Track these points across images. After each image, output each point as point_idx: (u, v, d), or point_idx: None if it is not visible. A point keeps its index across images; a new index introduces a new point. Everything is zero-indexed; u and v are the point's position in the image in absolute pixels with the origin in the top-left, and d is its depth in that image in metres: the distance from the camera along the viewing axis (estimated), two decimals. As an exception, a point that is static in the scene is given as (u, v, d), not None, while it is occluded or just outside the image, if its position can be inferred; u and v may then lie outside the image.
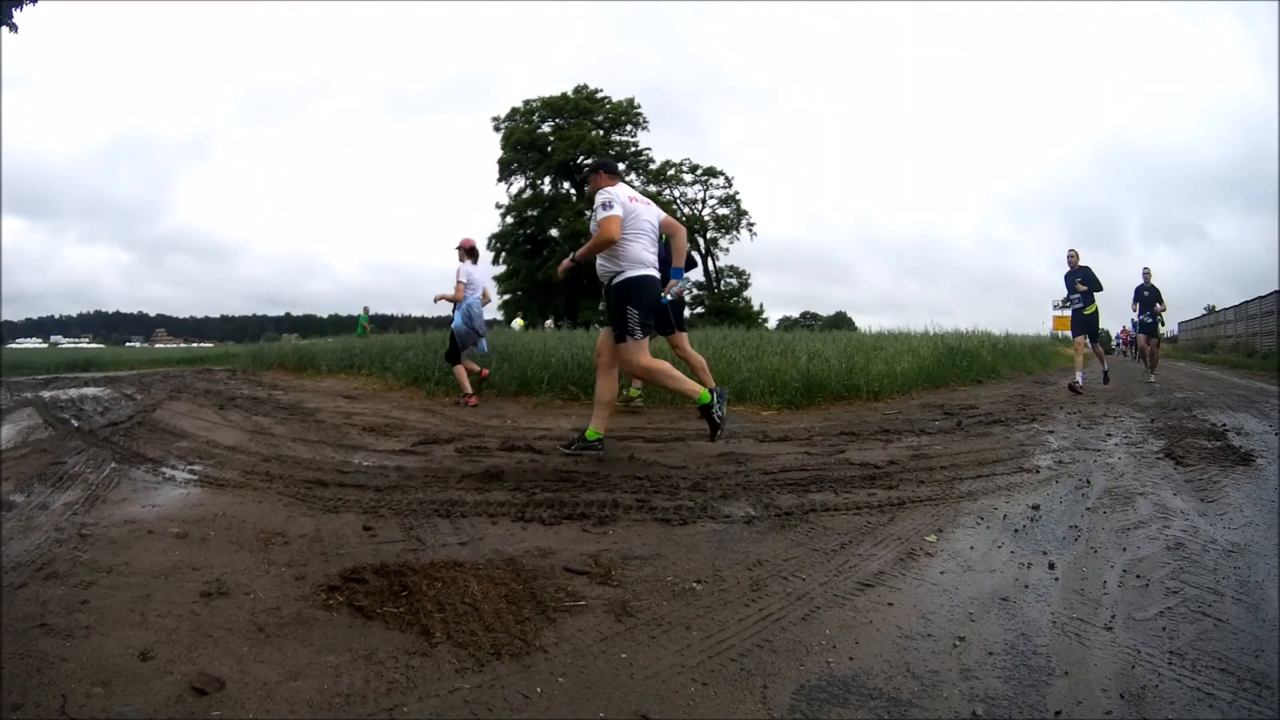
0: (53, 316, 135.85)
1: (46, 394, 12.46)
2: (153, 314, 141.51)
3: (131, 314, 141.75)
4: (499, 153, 59.05)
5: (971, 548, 3.90)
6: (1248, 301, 34.68)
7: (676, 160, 62.34)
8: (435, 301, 11.60)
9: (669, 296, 6.60)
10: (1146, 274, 17.28)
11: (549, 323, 42.32)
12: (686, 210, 62.61)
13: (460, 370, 11.40)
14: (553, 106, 58.39)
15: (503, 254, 58.57)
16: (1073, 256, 14.11)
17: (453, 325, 11.49)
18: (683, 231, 6.71)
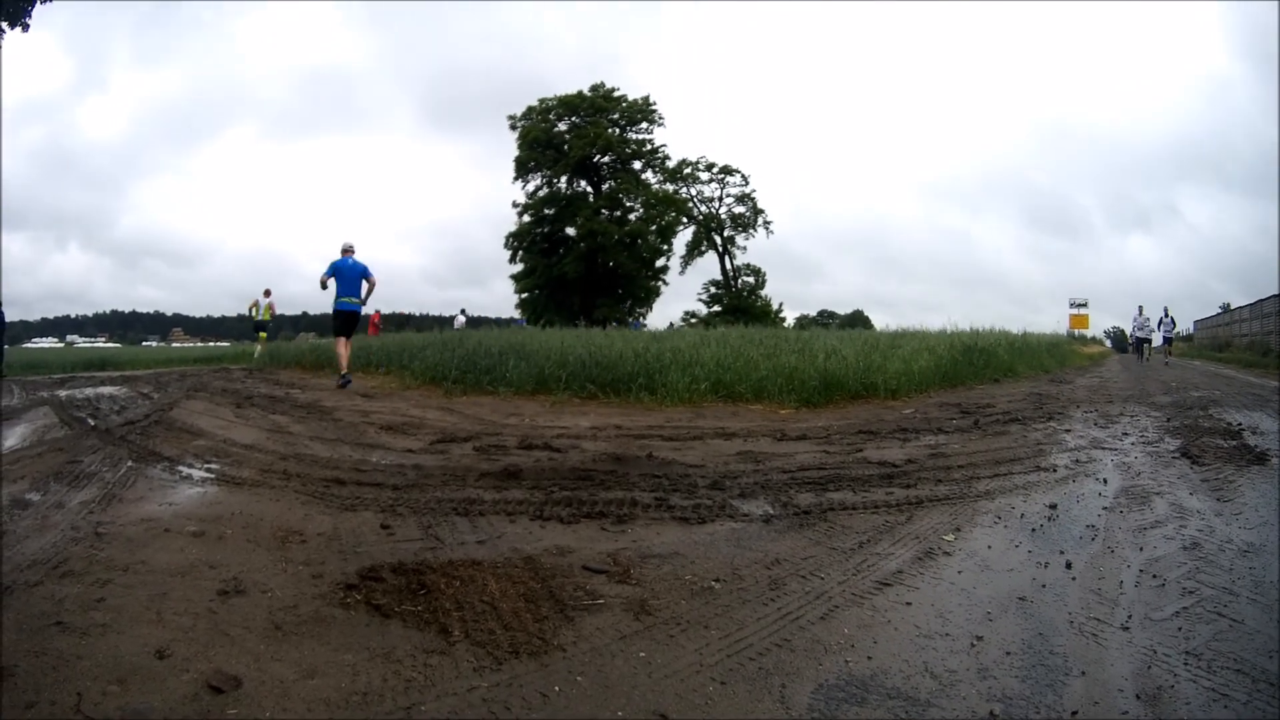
0: (69, 316, 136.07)
1: (62, 393, 12.49)
2: (169, 313, 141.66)
3: (147, 313, 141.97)
4: (515, 151, 58.90)
5: (989, 547, 3.89)
6: (1263, 300, 34.46)
7: (693, 159, 62.32)
8: None
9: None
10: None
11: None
12: (703, 208, 62.66)
13: None
14: (569, 105, 58.25)
15: (520, 252, 58.48)
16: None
17: None
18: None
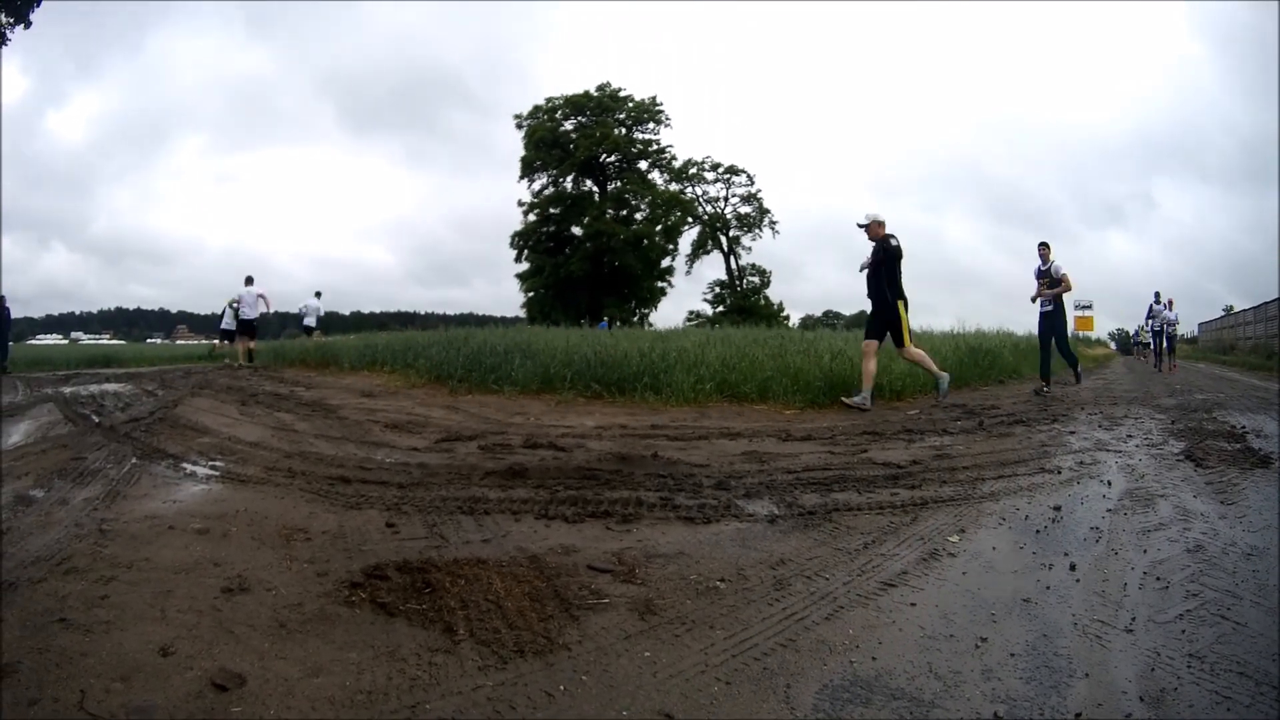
0: (73, 313, 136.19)
1: (67, 390, 12.52)
2: (173, 310, 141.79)
3: (152, 310, 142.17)
4: (520, 150, 59.03)
5: (994, 548, 3.88)
6: (1267, 303, 34.47)
7: (699, 158, 62.40)
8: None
9: None
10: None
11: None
12: (709, 208, 62.70)
13: None
14: (575, 104, 58.35)
15: (525, 251, 58.68)
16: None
17: None
18: None
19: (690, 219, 61.08)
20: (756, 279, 63.49)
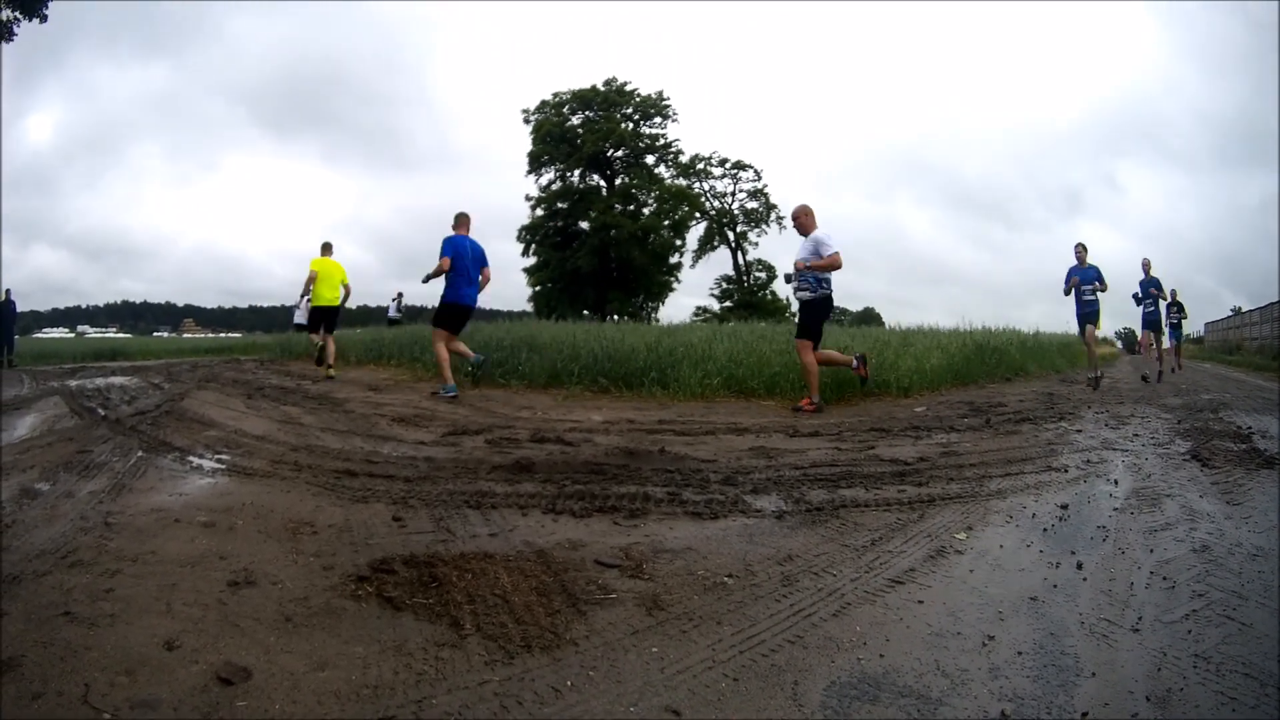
0: (79, 306, 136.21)
1: (73, 383, 12.54)
2: (180, 304, 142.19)
3: (159, 304, 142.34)
4: (528, 145, 59.01)
5: (1001, 546, 3.88)
6: (1274, 303, 34.39)
7: (706, 154, 62.26)
8: None
9: None
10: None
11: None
12: (716, 203, 62.62)
13: None
14: (582, 99, 58.30)
15: (532, 246, 58.65)
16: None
17: None
18: None
19: (697, 214, 60.99)
20: (763, 274, 63.41)
